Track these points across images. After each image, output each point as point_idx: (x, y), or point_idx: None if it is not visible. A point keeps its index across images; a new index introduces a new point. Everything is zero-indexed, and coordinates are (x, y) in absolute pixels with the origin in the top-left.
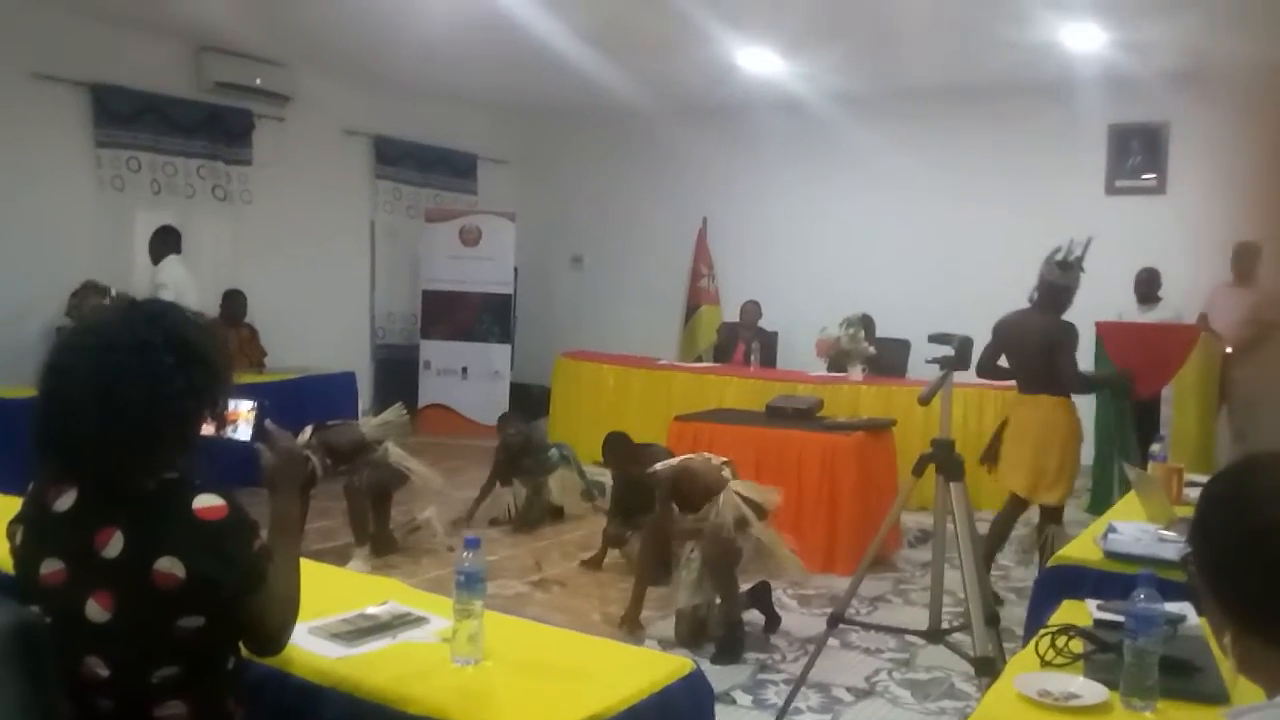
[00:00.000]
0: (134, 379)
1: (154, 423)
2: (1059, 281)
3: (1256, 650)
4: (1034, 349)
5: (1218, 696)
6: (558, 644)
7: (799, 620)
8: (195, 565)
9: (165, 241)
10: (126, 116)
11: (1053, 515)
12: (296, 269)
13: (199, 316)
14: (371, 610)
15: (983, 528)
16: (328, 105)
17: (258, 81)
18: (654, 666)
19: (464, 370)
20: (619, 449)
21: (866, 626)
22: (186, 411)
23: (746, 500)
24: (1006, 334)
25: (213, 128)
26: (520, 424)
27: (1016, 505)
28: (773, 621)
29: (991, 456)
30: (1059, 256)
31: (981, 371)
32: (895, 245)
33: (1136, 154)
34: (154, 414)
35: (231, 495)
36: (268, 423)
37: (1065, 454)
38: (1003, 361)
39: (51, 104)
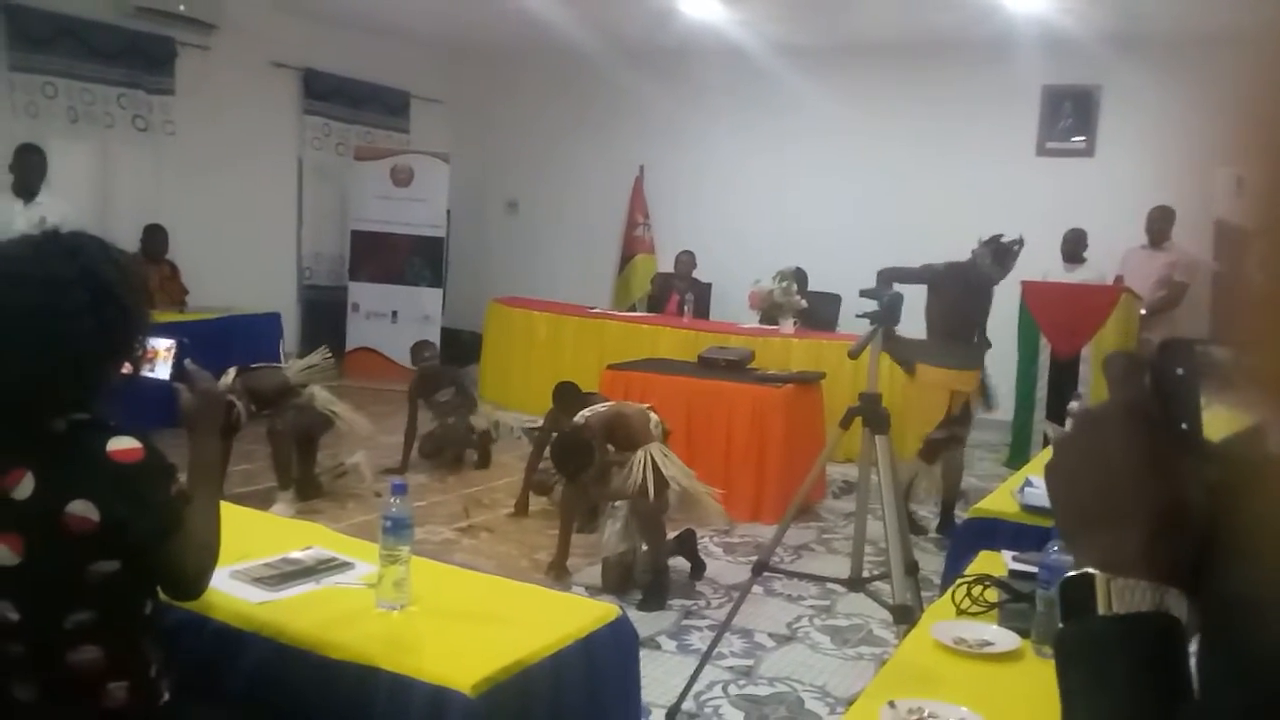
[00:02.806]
0: (37, 316)
1: (52, 363)
2: (986, 272)
3: None
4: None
5: None
6: (484, 590)
7: (724, 568)
8: (109, 509)
9: (32, 168)
10: (42, 39)
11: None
12: (220, 204)
13: (121, 254)
14: (295, 555)
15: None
16: (255, 35)
17: (181, 8)
18: (580, 613)
19: (394, 314)
20: (568, 398)
21: (790, 574)
22: (93, 352)
23: (657, 470)
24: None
25: (133, 55)
26: (434, 351)
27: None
28: (698, 568)
29: None
30: (1006, 240)
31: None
32: (830, 200)
33: (1068, 116)
34: (52, 354)
35: (148, 437)
36: (187, 362)
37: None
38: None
39: None
